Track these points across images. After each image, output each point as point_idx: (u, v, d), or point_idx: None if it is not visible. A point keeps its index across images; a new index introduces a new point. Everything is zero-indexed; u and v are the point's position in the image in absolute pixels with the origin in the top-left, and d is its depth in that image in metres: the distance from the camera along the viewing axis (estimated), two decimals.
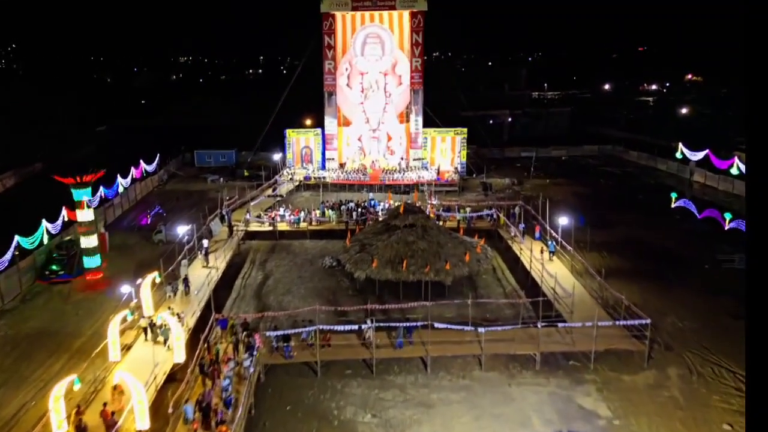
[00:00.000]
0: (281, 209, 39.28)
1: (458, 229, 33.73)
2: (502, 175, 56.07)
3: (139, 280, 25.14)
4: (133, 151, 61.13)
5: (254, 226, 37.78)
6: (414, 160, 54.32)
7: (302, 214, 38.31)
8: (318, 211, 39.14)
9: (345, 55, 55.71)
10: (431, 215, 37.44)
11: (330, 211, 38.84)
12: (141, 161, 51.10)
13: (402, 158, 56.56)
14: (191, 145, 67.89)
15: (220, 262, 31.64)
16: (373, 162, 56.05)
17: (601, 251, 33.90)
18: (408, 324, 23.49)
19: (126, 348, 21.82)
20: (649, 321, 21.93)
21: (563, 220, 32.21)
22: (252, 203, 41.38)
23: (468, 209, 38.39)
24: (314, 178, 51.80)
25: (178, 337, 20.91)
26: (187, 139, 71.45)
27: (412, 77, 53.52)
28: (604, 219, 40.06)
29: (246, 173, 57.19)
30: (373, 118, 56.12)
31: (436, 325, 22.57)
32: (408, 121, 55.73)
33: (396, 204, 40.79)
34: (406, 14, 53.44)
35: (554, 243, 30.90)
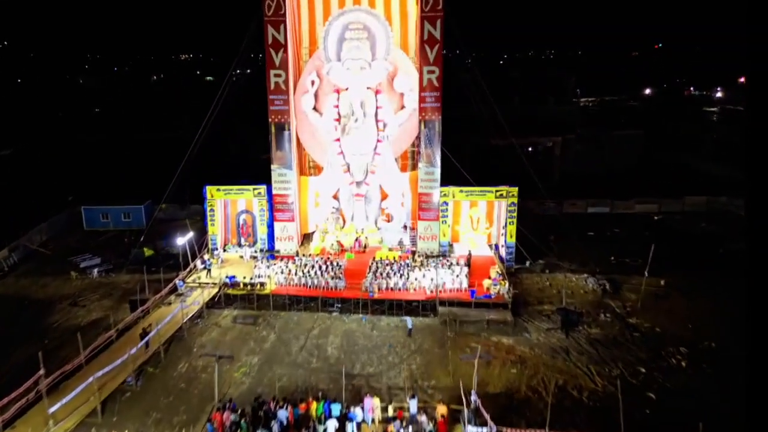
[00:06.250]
0: None
1: None
2: (573, 261, 33.18)
3: None
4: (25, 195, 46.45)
5: None
6: (428, 257, 31.19)
7: None
8: None
9: (310, 60, 33.19)
10: None
11: None
12: None
13: (405, 227, 34.27)
14: (95, 190, 46.41)
15: None
16: (357, 238, 33.59)
17: None
18: None
19: None
20: None
21: None
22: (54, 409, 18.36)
23: None
24: (245, 283, 28.77)
25: None
26: (115, 172, 52.53)
27: (422, 98, 30.69)
28: None
29: (146, 253, 34.53)
30: (358, 164, 33.70)
31: None
32: (415, 168, 33.20)
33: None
34: None
35: None
